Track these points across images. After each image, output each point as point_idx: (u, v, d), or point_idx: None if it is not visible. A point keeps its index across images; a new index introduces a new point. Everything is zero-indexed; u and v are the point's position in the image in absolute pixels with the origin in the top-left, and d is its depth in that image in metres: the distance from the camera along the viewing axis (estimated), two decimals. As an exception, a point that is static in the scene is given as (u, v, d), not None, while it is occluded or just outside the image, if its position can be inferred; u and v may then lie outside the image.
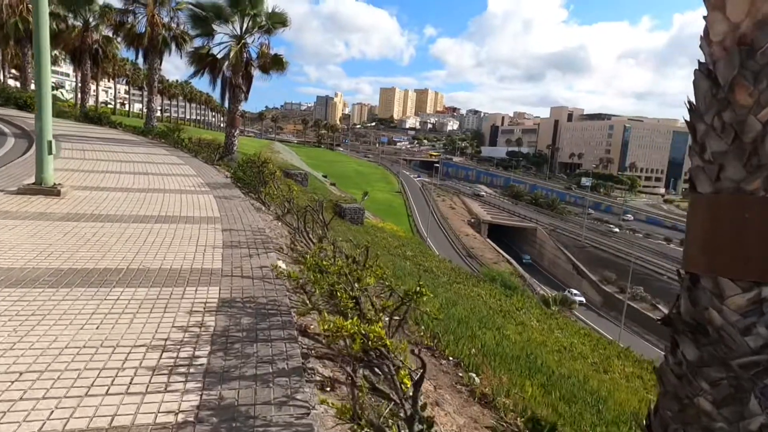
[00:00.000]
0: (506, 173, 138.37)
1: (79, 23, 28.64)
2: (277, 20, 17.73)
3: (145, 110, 26.70)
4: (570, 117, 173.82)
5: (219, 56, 18.26)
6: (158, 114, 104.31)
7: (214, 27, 17.88)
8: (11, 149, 12.69)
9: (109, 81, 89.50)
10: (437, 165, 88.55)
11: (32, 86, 42.54)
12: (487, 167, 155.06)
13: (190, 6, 17.59)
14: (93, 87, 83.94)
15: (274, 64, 18.26)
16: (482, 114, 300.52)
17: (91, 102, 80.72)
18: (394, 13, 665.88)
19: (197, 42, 19.60)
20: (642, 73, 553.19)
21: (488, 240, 64.38)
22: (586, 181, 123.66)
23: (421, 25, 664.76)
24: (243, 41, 17.99)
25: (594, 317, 41.56)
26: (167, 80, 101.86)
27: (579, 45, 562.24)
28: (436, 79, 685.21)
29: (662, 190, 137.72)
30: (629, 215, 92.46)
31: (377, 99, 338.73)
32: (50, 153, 7.06)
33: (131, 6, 24.21)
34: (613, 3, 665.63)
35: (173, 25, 24.48)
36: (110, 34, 27.71)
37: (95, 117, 25.35)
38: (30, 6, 32.26)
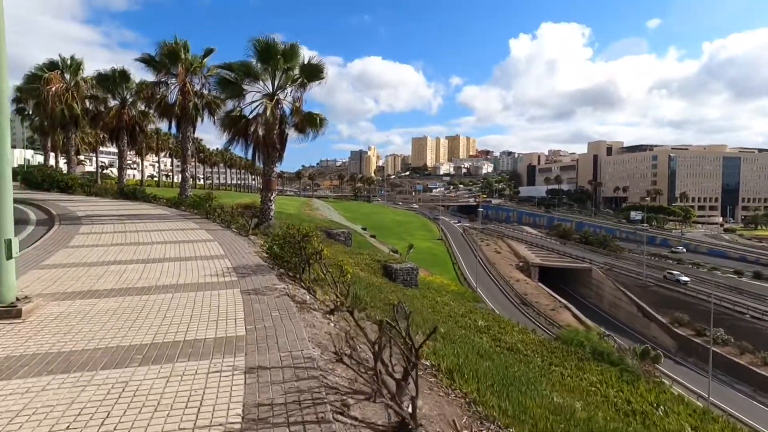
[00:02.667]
0: (549, 212, 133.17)
1: (116, 102, 28.80)
2: (313, 72, 16.19)
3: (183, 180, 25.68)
4: (609, 151, 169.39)
5: (250, 117, 16.86)
6: (201, 182, 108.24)
7: (244, 87, 16.55)
8: (21, 241, 11.03)
9: (155, 155, 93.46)
10: (480, 209, 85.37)
11: (76, 169, 44.03)
12: (527, 207, 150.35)
13: (219, 69, 16.46)
14: (139, 162, 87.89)
15: (309, 122, 16.55)
16: (516, 155, 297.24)
17: (137, 176, 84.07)
18: (420, 67, 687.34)
19: (228, 105, 18.45)
20: (676, 102, 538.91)
21: (541, 284, 59.99)
22: (635, 214, 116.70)
23: (446, 75, 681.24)
24: (276, 98, 16.51)
25: (670, 365, 36.29)
26: (208, 149, 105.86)
27: (607, 80, 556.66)
28: (465, 125, 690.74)
29: (719, 219, 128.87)
30: (681, 247, 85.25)
31: (409, 149, 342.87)
32: (9, 257, 4.98)
33: (164, 77, 23.81)
34: (636, 38, 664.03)
35: (204, 92, 23.80)
36: (144, 108, 27.50)
37: (130, 192, 24.55)
38: (74, 93, 33.34)
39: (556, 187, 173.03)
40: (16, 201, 18.41)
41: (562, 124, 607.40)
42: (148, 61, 23.10)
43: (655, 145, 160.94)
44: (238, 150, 18.03)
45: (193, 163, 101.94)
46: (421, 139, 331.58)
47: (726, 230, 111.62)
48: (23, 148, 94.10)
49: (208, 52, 24.15)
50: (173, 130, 26.83)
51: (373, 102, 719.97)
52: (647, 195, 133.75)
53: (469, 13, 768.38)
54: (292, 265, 8.18)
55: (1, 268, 4.93)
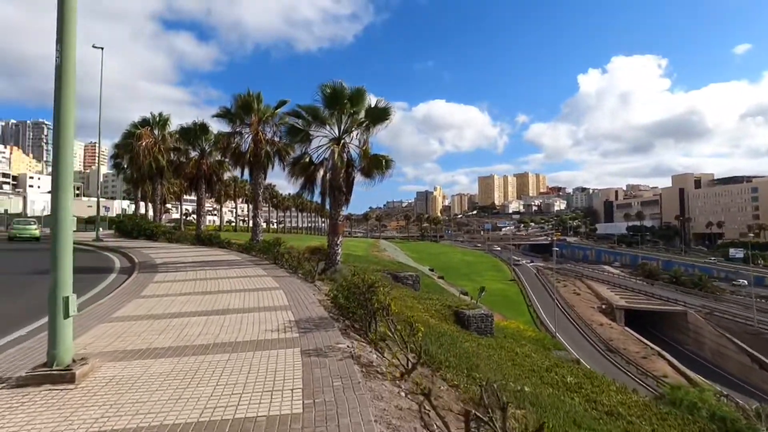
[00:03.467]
0: (631, 250, 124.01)
1: (196, 153, 30.82)
2: (379, 115, 16.10)
3: (254, 225, 26.46)
4: (698, 183, 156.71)
5: (317, 161, 16.98)
6: (274, 226, 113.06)
7: (311, 132, 16.78)
8: (99, 292, 11.41)
9: (233, 201, 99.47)
10: (555, 248, 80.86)
11: (163, 217, 47.39)
12: (606, 245, 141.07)
13: (287, 116, 16.90)
14: (218, 208, 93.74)
15: (375, 165, 16.31)
16: (591, 190, 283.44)
17: (216, 222, 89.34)
18: (485, 107, 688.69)
19: (297, 151, 18.82)
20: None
21: (627, 329, 54.74)
22: (735, 252, 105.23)
23: (512, 114, 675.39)
24: (342, 142, 16.52)
25: None
26: (280, 194, 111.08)
27: (689, 110, 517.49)
28: (534, 163, 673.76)
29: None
30: (743, 280, 75.34)
31: (475, 188, 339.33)
32: (66, 316, 4.74)
33: (238, 128, 25.10)
34: (723, 65, 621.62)
35: (276, 140, 24.69)
36: (220, 157, 29.09)
37: (206, 239, 25.61)
38: (161, 146, 36.31)
39: (637, 223, 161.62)
40: (107, 249, 19.64)
41: (640, 157, 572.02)
42: (224, 114, 24.53)
43: (753, 176, 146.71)
44: (307, 195, 18.15)
45: (266, 208, 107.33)
46: (487, 177, 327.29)
47: None
48: (121, 199, 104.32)
49: (281, 104, 25.19)
50: (246, 177, 27.97)
51: (438, 143, 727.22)
52: (749, 230, 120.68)
53: (533, 52, 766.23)
54: (358, 317, 7.52)
55: (58, 328, 4.69)
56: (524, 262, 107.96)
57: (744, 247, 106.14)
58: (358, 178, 16.93)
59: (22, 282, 12.75)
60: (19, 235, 29.43)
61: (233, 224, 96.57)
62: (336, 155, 15.45)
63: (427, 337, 8.52)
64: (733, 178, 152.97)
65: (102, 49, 28.64)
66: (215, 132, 29.72)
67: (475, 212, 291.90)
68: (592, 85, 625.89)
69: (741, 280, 77.80)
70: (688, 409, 13.74)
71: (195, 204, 33.51)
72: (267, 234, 36.95)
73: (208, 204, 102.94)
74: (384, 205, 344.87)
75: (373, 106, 16.09)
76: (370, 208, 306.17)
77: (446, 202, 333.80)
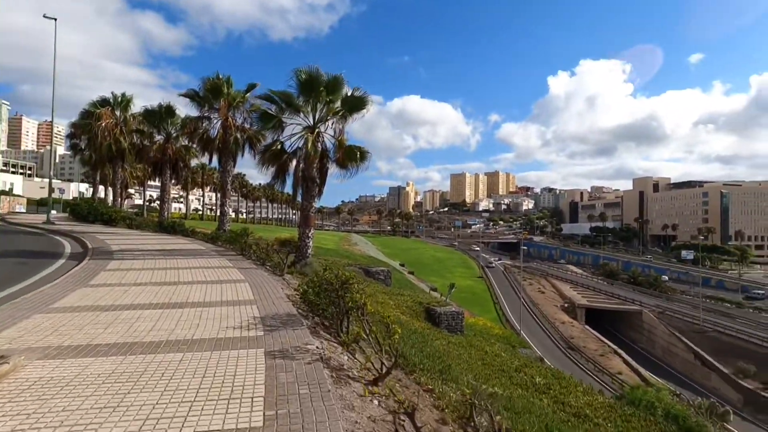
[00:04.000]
0: (594, 250, 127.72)
1: (161, 137, 29.36)
2: (356, 105, 15.48)
3: (222, 214, 25.38)
4: (656, 187, 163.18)
5: (290, 151, 16.24)
6: (243, 216, 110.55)
7: (284, 119, 16.02)
8: (41, 278, 10.44)
9: (200, 189, 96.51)
10: (523, 247, 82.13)
11: (126, 202, 45.22)
12: (571, 245, 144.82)
13: (259, 99, 16.07)
14: (184, 196, 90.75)
15: (350, 156, 15.68)
16: (558, 191, 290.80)
17: (182, 210, 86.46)
18: (458, 105, 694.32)
19: (269, 139, 18.03)
20: (724, 137, 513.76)
21: (587, 327, 56.58)
22: (687, 254, 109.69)
23: (485, 113, 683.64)
24: (317, 131, 15.84)
25: (737, 422, 31.94)
26: (250, 184, 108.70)
27: (649, 115, 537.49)
28: (504, 162, 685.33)
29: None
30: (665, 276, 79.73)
31: (448, 185, 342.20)
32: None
33: (207, 112, 23.97)
34: (678, 73, 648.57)
35: (246, 126, 23.72)
36: (186, 142, 27.81)
37: (170, 226, 24.39)
38: (123, 128, 34.51)
39: (600, 224, 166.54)
40: (59, 233, 18.36)
41: (605, 159, 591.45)
42: (192, 96, 23.36)
43: (705, 181, 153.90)
44: (278, 185, 17.38)
45: (235, 198, 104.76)
46: (459, 175, 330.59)
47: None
48: (79, 182, 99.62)
49: (251, 87, 24.21)
50: (215, 164, 26.86)
51: (412, 139, 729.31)
52: (698, 233, 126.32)
53: (506, 52, 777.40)
54: (329, 314, 7.00)
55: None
56: (493, 260, 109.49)
57: (694, 249, 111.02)
58: (332, 169, 16.31)
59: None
60: None
61: (200, 213, 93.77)
62: (309, 144, 14.77)
63: (401, 338, 8.09)
64: (687, 183, 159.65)
65: (55, 20, 26.83)
66: (182, 116, 28.43)
67: (446, 209, 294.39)
68: (562, 87, 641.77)
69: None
70: (647, 408, 13.88)
71: (159, 190, 31.87)
72: (235, 224, 35.70)
73: (174, 191, 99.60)
74: (356, 199, 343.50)
75: (349, 94, 15.46)
76: (343, 201, 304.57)
77: (418, 198, 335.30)
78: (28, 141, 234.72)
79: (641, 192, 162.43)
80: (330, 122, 15.86)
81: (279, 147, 15.76)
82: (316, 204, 16.74)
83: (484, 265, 78.36)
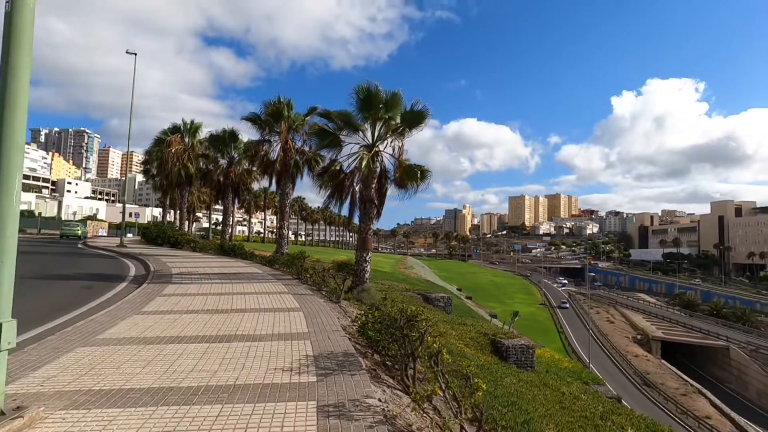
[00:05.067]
0: (667, 278, 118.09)
1: (225, 161, 30.20)
2: (415, 120, 14.73)
3: (280, 237, 25.32)
4: (738, 211, 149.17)
5: (348, 170, 15.68)
6: (302, 238, 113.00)
7: (342, 137, 15.54)
8: (99, 303, 10.27)
9: (262, 213, 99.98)
10: (592, 273, 77.20)
11: (193, 226, 47.05)
12: (641, 272, 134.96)
13: (318, 117, 15.76)
14: (247, 219, 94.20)
15: (410, 175, 14.84)
16: (625, 215, 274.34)
17: (245, 232, 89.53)
18: (516, 127, 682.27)
19: (326, 158, 17.66)
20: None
21: (664, 362, 51.37)
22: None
23: (544, 134, 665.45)
24: (375, 149, 15.20)
25: None
26: (309, 207, 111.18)
27: (727, 135, 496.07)
28: (565, 184, 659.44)
29: None
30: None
31: (505, 208, 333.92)
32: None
33: (267, 136, 24.26)
34: (761, 89, 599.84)
35: (305, 149, 23.71)
36: (248, 166, 28.32)
37: (230, 249, 24.62)
38: (190, 153, 36.00)
39: (674, 250, 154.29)
40: (128, 255, 18.76)
41: (676, 182, 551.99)
42: (254, 119, 23.73)
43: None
44: (334, 206, 16.85)
45: (294, 220, 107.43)
46: (518, 197, 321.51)
47: None
48: (153, 206, 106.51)
49: (312, 110, 24.23)
50: (273, 187, 27.08)
51: (468, 162, 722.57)
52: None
53: (566, 73, 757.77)
54: (391, 352, 6.02)
55: (-14, 366, 3.38)
56: (555, 286, 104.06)
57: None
58: (391, 190, 15.57)
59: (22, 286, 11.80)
60: (68, 233, 39.85)
61: (262, 235, 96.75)
62: (365, 162, 14.09)
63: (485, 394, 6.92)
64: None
65: (135, 54, 28.54)
66: (245, 141, 29.12)
67: (504, 232, 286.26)
68: (627, 107, 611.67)
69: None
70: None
71: (222, 213, 32.80)
72: (293, 247, 35.93)
73: (239, 215, 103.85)
74: (412, 222, 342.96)
75: (409, 110, 14.72)
76: (398, 224, 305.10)
77: (475, 221, 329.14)
78: (114, 170, 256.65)
79: (721, 216, 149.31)
80: (389, 140, 15.17)
81: (338, 167, 15.22)
82: (374, 226, 15.98)
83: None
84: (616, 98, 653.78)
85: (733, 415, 37.11)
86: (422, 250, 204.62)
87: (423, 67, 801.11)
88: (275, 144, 24.33)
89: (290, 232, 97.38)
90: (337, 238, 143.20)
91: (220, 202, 38.31)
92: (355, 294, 13.83)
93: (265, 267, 18.99)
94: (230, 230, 31.15)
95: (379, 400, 4.38)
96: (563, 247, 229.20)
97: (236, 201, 31.36)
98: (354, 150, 15.52)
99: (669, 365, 50.22)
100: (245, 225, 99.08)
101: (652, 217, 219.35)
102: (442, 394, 3.87)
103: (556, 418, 9.82)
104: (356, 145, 15.58)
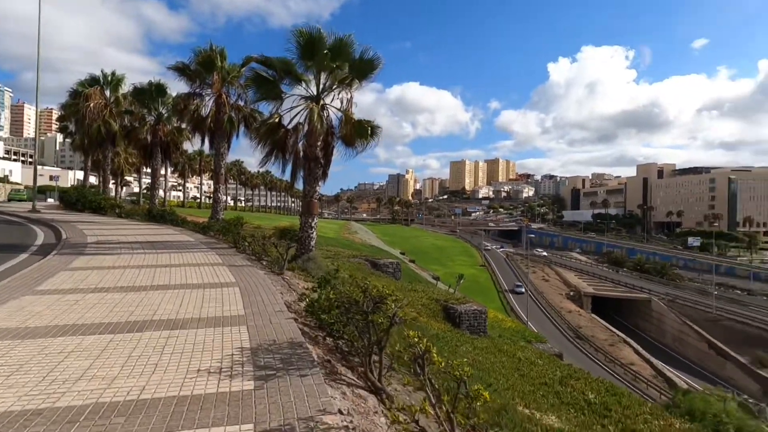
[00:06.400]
0: (597, 237, 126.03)
1: (152, 118, 27.06)
2: (365, 69, 13.24)
3: (215, 201, 23.16)
4: (661, 174, 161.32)
5: (289, 126, 14.02)
6: (242, 204, 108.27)
7: (283, 89, 13.79)
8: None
9: (198, 177, 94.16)
10: (531, 234, 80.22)
11: (123, 190, 43.04)
12: (573, 232, 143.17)
13: (254, 63, 13.82)
14: (182, 183, 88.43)
15: (359, 132, 13.46)
16: (559, 178, 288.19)
17: (180, 198, 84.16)
18: (458, 92, 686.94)
19: (262, 109, 15.88)
20: (729, 123, 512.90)
21: (595, 316, 55.30)
22: (693, 240, 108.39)
23: (484, 100, 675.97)
24: (322, 102, 13.64)
25: None
26: (248, 171, 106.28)
27: (652, 102, 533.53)
28: (503, 149, 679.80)
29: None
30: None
31: (447, 173, 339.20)
32: None
33: (198, 88, 21.65)
34: (683, 58, 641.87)
35: (241, 104, 21.47)
36: (178, 123, 25.54)
37: (158, 215, 22.24)
38: (113, 109, 32.11)
39: (603, 211, 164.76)
40: (39, 222, 16.13)
41: (605, 147, 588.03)
42: (182, 69, 21.02)
43: (711, 168, 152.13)
44: (275, 168, 15.26)
45: (232, 185, 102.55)
46: (459, 162, 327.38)
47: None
48: (78, 169, 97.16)
49: (248, 60, 21.70)
50: (208, 148, 24.64)
51: (411, 126, 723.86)
52: (705, 220, 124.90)
53: (506, 39, 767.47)
54: (348, 337, 4.95)
55: None
56: (494, 247, 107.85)
57: (701, 236, 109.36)
58: (337, 150, 14.14)
59: None
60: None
61: (198, 201, 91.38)
62: (315, 116, 12.56)
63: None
64: (693, 169, 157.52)
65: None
66: (174, 94, 26.08)
67: (445, 197, 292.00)
68: (562, 73, 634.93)
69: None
70: (714, 424, 11.99)
71: (150, 176, 29.60)
72: (230, 212, 33.57)
73: (173, 179, 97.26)
74: (355, 187, 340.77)
75: (358, 58, 13.17)
76: (341, 189, 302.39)
77: (417, 186, 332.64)
78: (30, 128, 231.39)
79: (645, 178, 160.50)
80: (336, 92, 13.63)
81: (277, 120, 13.50)
82: (320, 188, 14.61)
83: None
84: (553, 64, 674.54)
85: (653, 360, 40.62)
86: (366, 215, 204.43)
87: (366, 26, 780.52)
88: (208, 98, 21.86)
89: (228, 197, 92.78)
90: (279, 204, 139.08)
91: (149, 163, 34.82)
92: (300, 263, 12.58)
93: (197, 234, 17.13)
94: (164, 195, 28.35)
95: (341, 412, 3.28)
96: (501, 210, 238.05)
97: (167, 163, 28.41)
98: (297, 104, 13.88)
99: (599, 319, 53.86)
100: (180, 190, 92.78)
101: (583, 181, 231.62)
102: (432, 412, 2.83)
103: (518, 387, 9.37)
104: (299, 98, 13.93)
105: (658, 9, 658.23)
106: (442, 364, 2.87)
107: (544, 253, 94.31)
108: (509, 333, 22.14)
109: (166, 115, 26.95)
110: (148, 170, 63.23)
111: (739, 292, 65.48)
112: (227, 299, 6.84)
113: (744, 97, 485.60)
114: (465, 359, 8.26)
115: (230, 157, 25.46)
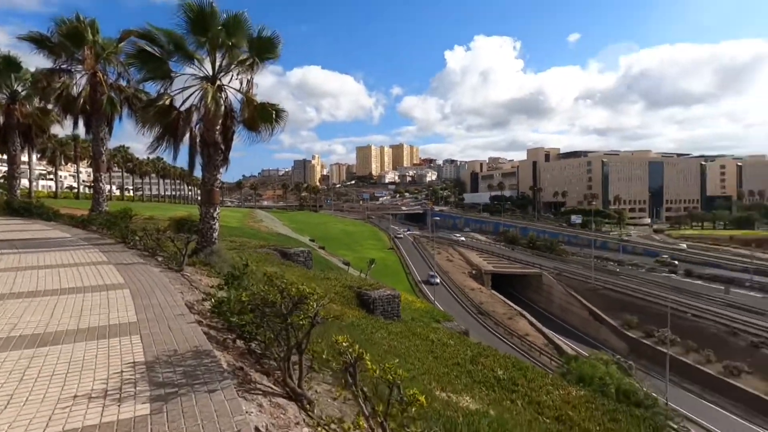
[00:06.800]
0: (494, 218, 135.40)
1: (4, 96, 23.01)
2: (265, 48, 12.31)
3: (96, 191, 20.36)
4: (547, 157, 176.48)
5: (183, 108, 12.65)
6: (130, 194, 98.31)
7: (172, 67, 12.36)
8: None
9: (74, 164, 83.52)
10: (436, 217, 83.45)
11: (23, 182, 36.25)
12: (473, 214, 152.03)
13: (136, 38, 12.16)
14: (52, 172, 77.78)
15: (263, 115, 12.49)
16: (459, 162, 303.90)
17: (52, 188, 73.99)
18: (360, 77, 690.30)
19: (149, 89, 14.21)
20: (599, 111, 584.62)
21: (495, 292, 59.31)
22: (575, 218, 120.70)
23: (387, 86, 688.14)
24: (218, 83, 12.47)
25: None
26: (136, 158, 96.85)
27: (537, 90, 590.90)
28: (407, 135, 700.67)
29: (648, 220, 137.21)
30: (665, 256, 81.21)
31: (353, 158, 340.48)
32: None
33: (65, 64, 18.65)
34: (560, 50, 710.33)
35: (123, 84, 19.04)
36: (41, 103, 22.03)
37: (22, 208, 19.08)
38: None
39: (498, 193, 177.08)
40: None
41: (499, 132, 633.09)
42: (39, 41, 17.88)
43: (588, 151, 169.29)
44: (167, 154, 13.76)
45: (118, 173, 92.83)
46: (365, 148, 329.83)
47: (655, 231, 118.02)
48: None
49: (126, 34, 19.10)
50: (83, 132, 21.62)
51: (315, 111, 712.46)
52: (584, 199, 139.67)
53: (405, 25, 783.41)
54: (264, 342, 4.46)
55: None
56: (402, 231, 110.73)
57: (582, 213, 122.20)
58: (239, 135, 13.09)
59: None
60: None
61: (75, 191, 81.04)
62: (210, 97, 11.43)
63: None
64: (574, 153, 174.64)
65: None
66: (32, 69, 22.36)
67: (353, 182, 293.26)
68: (458, 61, 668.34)
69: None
70: (597, 386, 13.33)
71: (7, 164, 25.20)
72: (116, 203, 30.01)
73: (41, 166, 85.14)
74: (259, 173, 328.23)
75: (257, 36, 12.21)
76: (244, 176, 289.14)
77: (325, 171, 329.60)
78: None
79: (534, 162, 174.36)
80: (234, 72, 12.54)
81: (168, 102, 12.09)
82: (221, 176, 13.47)
83: (393, 236, 77.13)
84: (449, 52, 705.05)
85: (544, 329, 44.55)
86: (271, 202, 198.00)
87: (263, 5, 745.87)
88: (79, 76, 19.02)
89: (113, 187, 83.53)
90: (174, 193, 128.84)
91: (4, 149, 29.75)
92: (203, 258, 11.54)
93: (76, 229, 14.99)
94: (29, 185, 24.41)
95: (258, 430, 2.84)
96: (407, 194, 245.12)
97: (29, 148, 24.44)
98: (190, 83, 12.54)
99: (498, 294, 57.66)
100: (52, 179, 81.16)
101: (481, 165, 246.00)
102: (366, 426, 2.51)
103: (434, 370, 9.51)
104: (192, 77, 12.60)
105: (538, 1, 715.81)
106: (377, 371, 2.56)
107: (462, 238, 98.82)
108: (419, 314, 22.75)
109: (23, 93, 23.10)
110: (4, 157, 54.65)
111: (612, 263, 73.87)
112: (114, 304, 5.90)
113: (610, 89, 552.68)
114: (388, 352, 8.12)
115: (113, 143, 22.52)
